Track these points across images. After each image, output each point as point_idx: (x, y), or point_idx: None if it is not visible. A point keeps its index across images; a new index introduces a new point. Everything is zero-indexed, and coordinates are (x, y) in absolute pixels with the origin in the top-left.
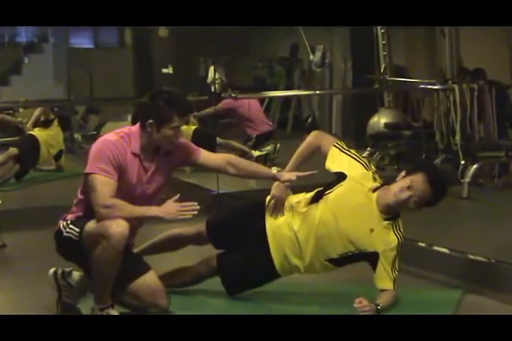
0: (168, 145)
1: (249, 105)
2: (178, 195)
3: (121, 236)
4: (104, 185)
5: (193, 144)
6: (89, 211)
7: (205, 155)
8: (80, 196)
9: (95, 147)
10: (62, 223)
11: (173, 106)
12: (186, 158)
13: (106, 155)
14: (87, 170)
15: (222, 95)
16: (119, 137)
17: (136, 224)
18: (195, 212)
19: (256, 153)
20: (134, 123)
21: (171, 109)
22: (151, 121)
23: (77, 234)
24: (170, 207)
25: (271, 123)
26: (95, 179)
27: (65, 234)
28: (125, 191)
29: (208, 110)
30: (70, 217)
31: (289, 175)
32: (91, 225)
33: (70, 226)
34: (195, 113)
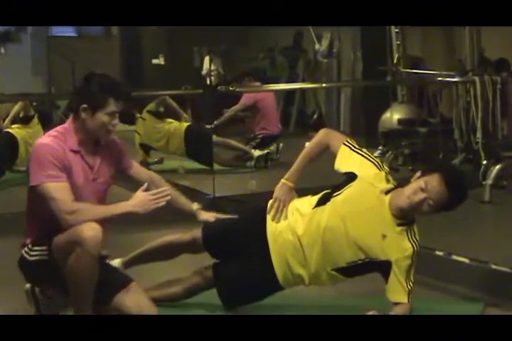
0: (104, 134)
1: (269, 100)
2: (146, 184)
3: (95, 240)
4: (59, 190)
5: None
6: (48, 227)
7: (136, 169)
8: (30, 216)
9: (33, 155)
10: (23, 250)
11: (108, 89)
12: (120, 161)
13: (47, 160)
14: (33, 183)
15: (219, 88)
16: (53, 137)
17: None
18: (169, 197)
19: (256, 153)
20: (69, 110)
21: (106, 93)
22: (84, 105)
23: (45, 252)
24: (140, 199)
25: (280, 126)
26: (47, 188)
27: (30, 258)
28: (74, 193)
29: (236, 107)
30: (29, 241)
31: (207, 215)
32: (60, 236)
33: (34, 248)
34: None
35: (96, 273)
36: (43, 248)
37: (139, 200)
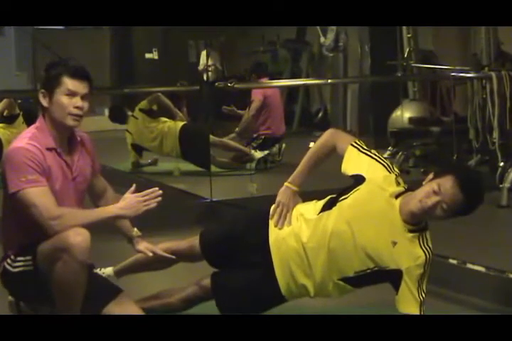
0: (68, 119)
1: (276, 97)
2: (134, 186)
3: (83, 246)
4: (40, 195)
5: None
6: (31, 236)
7: (99, 176)
8: (9, 225)
9: (8, 160)
10: (4, 263)
11: (59, 66)
12: (93, 161)
13: (25, 165)
14: (12, 190)
15: (216, 85)
16: (28, 138)
17: None
18: (160, 198)
19: (258, 155)
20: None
21: (58, 70)
22: (42, 90)
23: (29, 262)
24: (129, 202)
25: (284, 127)
26: (27, 194)
27: (13, 270)
28: (55, 194)
29: (254, 106)
30: (11, 251)
31: (145, 245)
32: (45, 243)
33: (17, 258)
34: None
35: (84, 280)
36: (27, 258)
37: (127, 203)
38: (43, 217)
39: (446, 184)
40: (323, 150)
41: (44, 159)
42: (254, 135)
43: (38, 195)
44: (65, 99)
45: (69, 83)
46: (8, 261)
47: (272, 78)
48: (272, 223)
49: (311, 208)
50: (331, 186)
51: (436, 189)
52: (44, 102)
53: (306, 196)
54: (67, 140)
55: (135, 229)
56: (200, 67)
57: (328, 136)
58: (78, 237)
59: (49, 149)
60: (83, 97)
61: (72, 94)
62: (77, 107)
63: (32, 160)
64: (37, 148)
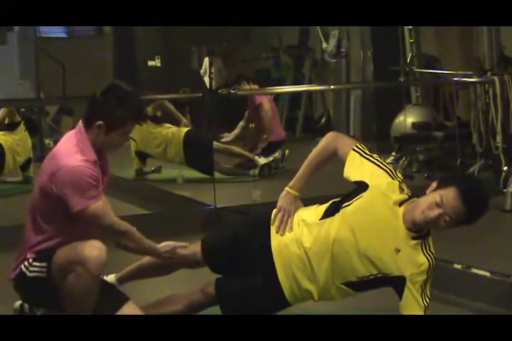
0: (112, 150)
1: (272, 103)
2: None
3: (99, 260)
4: (104, 209)
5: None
6: (52, 243)
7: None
8: (33, 229)
9: (68, 179)
10: (22, 265)
11: (129, 109)
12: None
13: (86, 183)
14: (76, 208)
15: (220, 91)
16: (78, 155)
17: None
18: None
19: (262, 161)
20: (85, 123)
21: (126, 115)
22: (100, 122)
23: (44, 269)
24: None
25: (283, 131)
26: (94, 210)
27: (29, 274)
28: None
29: (267, 107)
30: (30, 255)
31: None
32: (61, 253)
33: (34, 264)
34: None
35: (95, 293)
36: (43, 264)
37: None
38: (113, 228)
39: (449, 196)
40: (324, 154)
41: (96, 173)
42: (256, 142)
43: (102, 209)
44: (119, 139)
45: (130, 126)
46: (26, 264)
47: (262, 85)
48: (273, 229)
49: (313, 213)
50: (333, 191)
51: (439, 201)
52: (97, 131)
53: (309, 202)
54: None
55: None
56: (202, 73)
57: (328, 139)
58: (94, 251)
59: (95, 162)
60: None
61: (127, 133)
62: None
63: (91, 177)
64: (90, 163)
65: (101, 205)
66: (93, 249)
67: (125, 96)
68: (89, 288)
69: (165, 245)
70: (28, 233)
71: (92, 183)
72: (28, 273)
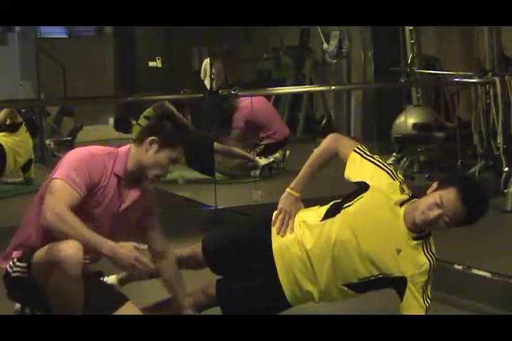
0: (152, 176)
1: (266, 107)
2: (147, 247)
3: (74, 260)
4: (66, 193)
5: (157, 214)
6: (35, 241)
7: (155, 235)
8: (24, 227)
9: (74, 156)
10: (8, 264)
11: (181, 134)
12: (145, 214)
13: (82, 168)
14: (54, 175)
15: (220, 92)
16: (105, 153)
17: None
18: (148, 270)
19: (262, 162)
20: (138, 139)
21: (179, 136)
22: (155, 138)
23: (25, 269)
24: (127, 252)
25: (287, 128)
26: (60, 185)
27: (12, 274)
28: (91, 216)
29: (235, 134)
30: (15, 254)
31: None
32: (39, 254)
33: (17, 263)
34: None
35: (79, 291)
36: (24, 264)
37: (124, 251)
38: (49, 205)
39: (449, 197)
40: (325, 155)
41: (101, 176)
42: (257, 142)
43: (65, 192)
44: (165, 160)
45: (178, 153)
46: (11, 263)
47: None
48: (274, 230)
49: (314, 214)
50: (334, 192)
51: (439, 202)
52: (147, 146)
53: (310, 203)
54: (135, 178)
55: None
56: (202, 74)
57: (330, 141)
58: (69, 250)
59: (116, 175)
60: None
61: (172, 160)
62: (166, 171)
63: (90, 168)
64: (104, 164)
65: (66, 188)
66: (68, 249)
67: (180, 122)
68: (70, 288)
69: (124, 245)
70: (18, 232)
71: (85, 174)
72: (12, 273)
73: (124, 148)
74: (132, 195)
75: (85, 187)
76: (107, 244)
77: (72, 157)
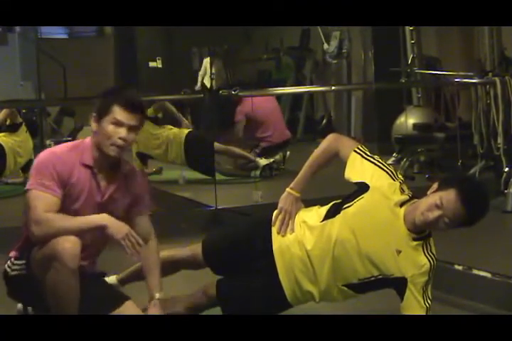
0: (110, 148)
1: (268, 106)
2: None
3: (71, 253)
4: (39, 199)
5: (148, 199)
6: (25, 240)
7: (143, 220)
8: (23, 227)
9: (37, 160)
10: (6, 264)
11: (112, 95)
12: (134, 201)
13: (47, 170)
14: (26, 187)
15: (221, 92)
16: (68, 149)
17: (95, 243)
18: (139, 243)
19: (262, 162)
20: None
21: (110, 98)
22: (93, 114)
23: (24, 266)
24: (122, 225)
25: (287, 132)
26: (31, 195)
27: (11, 273)
28: (73, 212)
29: (239, 127)
30: (13, 253)
31: (155, 310)
32: (36, 250)
33: (15, 262)
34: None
35: (76, 286)
36: (23, 262)
37: (118, 222)
38: (30, 219)
39: (449, 198)
40: (325, 155)
41: (70, 171)
42: (257, 142)
43: (37, 198)
44: (109, 128)
45: (118, 113)
46: (9, 263)
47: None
48: (274, 230)
49: (314, 215)
50: (334, 193)
51: (439, 203)
52: (93, 126)
53: (310, 203)
54: (108, 165)
55: (160, 292)
56: (201, 74)
57: (330, 141)
58: (67, 244)
59: (85, 166)
60: (130, 129)
61: (118, 123)
62: (120, 138)
63: (57, 169)
64: (69, 159)
65: (39, 195)
66: (66, 242)
67: (112, 87)
68: (68, 283)
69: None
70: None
71: (53, 175)
72: (10, 272)
73: (88, 138)
74: (113, 183)
75: (57, 186)
76: (97, 216)
77: (36, 162)
